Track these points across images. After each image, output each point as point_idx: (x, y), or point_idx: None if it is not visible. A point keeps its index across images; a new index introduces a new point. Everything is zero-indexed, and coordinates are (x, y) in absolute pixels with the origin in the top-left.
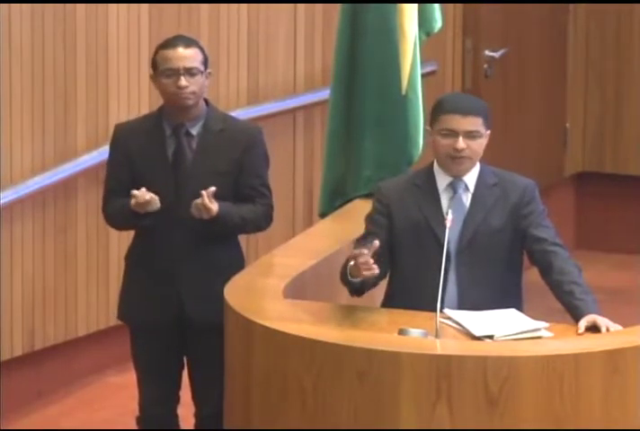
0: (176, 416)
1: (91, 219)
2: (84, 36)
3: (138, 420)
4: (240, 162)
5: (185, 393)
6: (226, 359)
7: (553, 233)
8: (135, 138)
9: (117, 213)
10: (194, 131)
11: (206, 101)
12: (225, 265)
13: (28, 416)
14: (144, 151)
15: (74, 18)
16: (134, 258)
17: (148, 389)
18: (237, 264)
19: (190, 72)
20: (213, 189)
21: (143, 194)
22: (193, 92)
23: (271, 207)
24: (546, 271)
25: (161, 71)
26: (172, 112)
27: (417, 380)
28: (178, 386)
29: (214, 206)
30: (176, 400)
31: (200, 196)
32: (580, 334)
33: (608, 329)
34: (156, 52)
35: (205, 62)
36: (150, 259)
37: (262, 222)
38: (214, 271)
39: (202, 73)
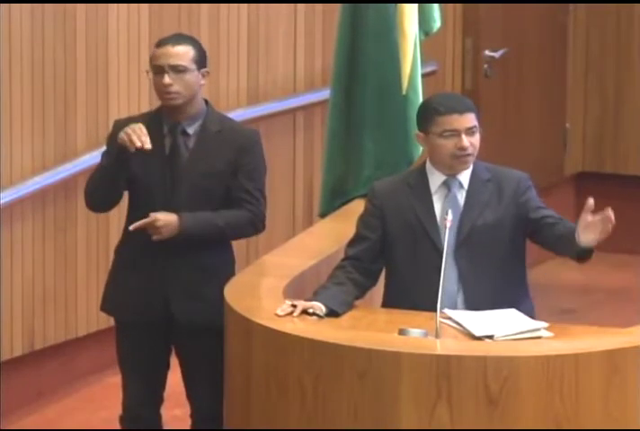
0: (159, 416)
1: (91, 219)
2: (84, 36)
3: (121, 420)
4: (235, 164)
5: (183, 394)
6: (226, 359)
7: (553, 212)
8: None
9: (92, 175)
10: (191, 130)
11: (206, 101)
12: (213, 267)
13: (28, 416)
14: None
15: (74, 18)
16: (124, 252)
17: (133, 389)
18: (226, 267)
19: (175, 69)
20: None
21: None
22: (178, 92)
23: (260, 214)
24: (553, 236)
25: (150, 68)
26: (167, 111)
27: (417, 380)
28: (162, 386)
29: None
30: (160, 400)
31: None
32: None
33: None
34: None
35: (198, 60)
36: (139, 257)
37: (246, 229)
38: (202, 272)
39: (192, 71)
